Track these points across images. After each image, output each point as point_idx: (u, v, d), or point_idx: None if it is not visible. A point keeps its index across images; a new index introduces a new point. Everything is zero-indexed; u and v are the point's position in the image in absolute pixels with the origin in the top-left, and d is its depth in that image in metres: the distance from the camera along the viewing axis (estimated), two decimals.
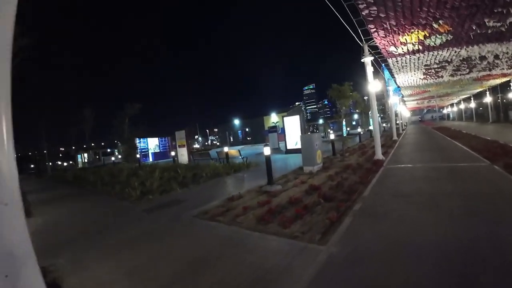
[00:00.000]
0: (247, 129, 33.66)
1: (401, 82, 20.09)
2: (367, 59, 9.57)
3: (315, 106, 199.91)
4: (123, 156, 21.81)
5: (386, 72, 17.74)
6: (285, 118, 17.20)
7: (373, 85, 9.48)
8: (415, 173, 7.03)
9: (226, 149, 13.54)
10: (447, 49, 12.32)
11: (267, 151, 7.18)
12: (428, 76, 19.06)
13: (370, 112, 10.43)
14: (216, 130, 38.51)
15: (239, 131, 34.71)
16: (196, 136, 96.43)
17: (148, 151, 32.00)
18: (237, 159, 13.60)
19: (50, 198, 10.32)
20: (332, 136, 12.85)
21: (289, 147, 17.08)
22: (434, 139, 16.18)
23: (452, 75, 19.75)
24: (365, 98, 24.26)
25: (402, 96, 31.33)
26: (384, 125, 42.33)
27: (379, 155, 9.72)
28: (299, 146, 16.50)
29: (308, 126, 69.10)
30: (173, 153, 19.32)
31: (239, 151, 13.83)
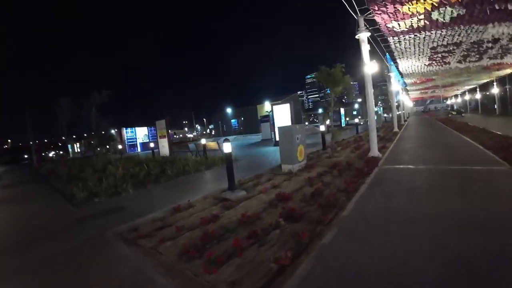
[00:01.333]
0: (242, 118, 32.03)
1: (404, 68, 18.30)
2: (363, 35, 7.86)
3: (317, 95, 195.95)
4: (96, 147, 20.52)
5: (388, 58, 15.99)
6: (274, 107, 15.61)
7: (369, 67, 7.82)
8: (417, 180, 5.41)
9: (203, 141, 12.03)
10: (457, 28, 10.61)
11: (227, 148, 5.64)
12: (433, 62, 17.27)
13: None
14: (215, 119, 36.85)
15: (233, 120, 32.94)
16: (197, 125, 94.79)
17: (136, 141, 30.56)
18: (217, 153, 12.13)
19: (6, 196, 9.56)
20: (322, 128, 11.22)
21: (278, 138, 15.50)
22: (439, 132, 14.51)
23: (460, 62, 17.95)
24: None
25: (405, 86, 29.49)
26: (385, 115, 40.61)
27: (374, 151, 8.13)
28: None
29: (307, 115, 67.22)
30: (152, 145, 17.78)
31: (217, 143, 12.29)
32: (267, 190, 5.60)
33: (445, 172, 5.85)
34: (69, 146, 44.37)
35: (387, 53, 14.37)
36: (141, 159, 14.05)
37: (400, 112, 30.00)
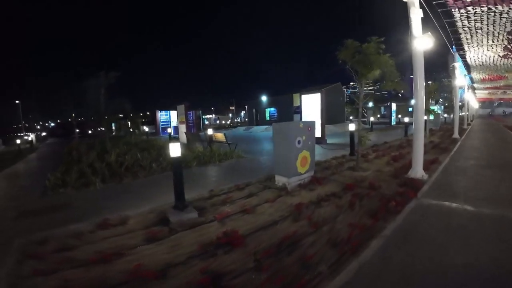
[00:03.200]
0: (276, 108, 29.70)
1: (472, 59, 14.60)
2: None
3: (371, 88, 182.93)
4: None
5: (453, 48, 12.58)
6: (303, 96, 13.29)
7: (420, 41, 5.24)
8: (483, 248, 2.87)
9: (210, 131, 10.31)
10: None
11: (174, 151, 3.83)
12: (510, 53, 13.36)
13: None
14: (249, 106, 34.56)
15: (272, 109, 30.60)
16: (243, 112, 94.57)
17: (170, 124, 30.08)
18: (224, 146, 10.40)
19: (9, 172, 9.74)
20: (352, 127, 8.67)
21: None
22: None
23: None
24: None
25: (472, 83, 24.76)
26: (446, 115, 35.14)
27: (417, 170, 5.53)
28: (317, 134, 12.63)
29: (353, 109, 61.54)
30: (169, 130, 16.62)
31: (224, 135, 10.50)
32: (226, 217, 3.72)
33: None
34: (113, 124, 46.17)
35: (451, 36, 11.14)
36: (153, 144, 13.12)
37: (463, 114, 25.32)
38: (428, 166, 6.27)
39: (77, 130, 45.48)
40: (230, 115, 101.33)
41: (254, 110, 31.63)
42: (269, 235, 3.14)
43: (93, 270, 2.60)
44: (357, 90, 6.49)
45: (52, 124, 76.39)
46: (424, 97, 5.69)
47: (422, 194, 4.52)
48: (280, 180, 5.28)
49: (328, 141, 12.45)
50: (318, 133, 12.38)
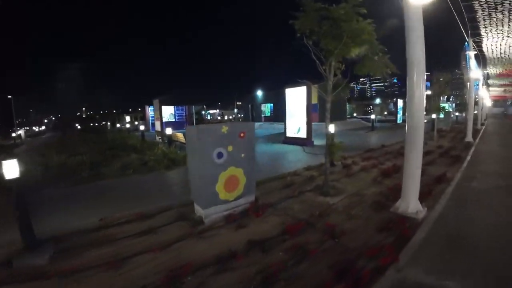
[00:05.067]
0: (272, 104, 27.55)
1: (489, 48, 12.51)
2: None
3: (382, 84, 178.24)
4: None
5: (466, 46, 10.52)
6: (287, 91, 11.43)
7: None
8: None
9: (169, 131, 8.62)
10: None
11: (9, 170, 2.19)
12: None
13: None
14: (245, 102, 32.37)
15: (269, 104, 28.34)
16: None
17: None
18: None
19: None
20: (330, 129, 6.53)
21: (289, 134, 11.48)
22: None
23: None
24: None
25: (487, 78, 22.39)
26: (457, 114, 32.34)
27: (409, 201, 3.55)
28: (302, 134, 10.88)
29: (357, 105, 57.65)
30: (142, 127, 14.95)
31: (183, 135, 8.83)
32: (72, 273, 2.06)
33: None
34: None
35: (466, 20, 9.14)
36: (124, 143, 11.89)
37: (476, 112, 22.68)
38: (431, 187, 4.38)
39: (76, 125, 45.45)
40: (235, 110, 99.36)
41: (250, 106, 29.69)
42: None
43: None
44: (366, 86, 4.59)
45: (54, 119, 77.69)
46: (425, 80, 3.69)
47: (409, 255, 2.53)
48: (198, 210, 3.53)
49: (316, 143, 10.60)
50: (303, 134, 10.63)
